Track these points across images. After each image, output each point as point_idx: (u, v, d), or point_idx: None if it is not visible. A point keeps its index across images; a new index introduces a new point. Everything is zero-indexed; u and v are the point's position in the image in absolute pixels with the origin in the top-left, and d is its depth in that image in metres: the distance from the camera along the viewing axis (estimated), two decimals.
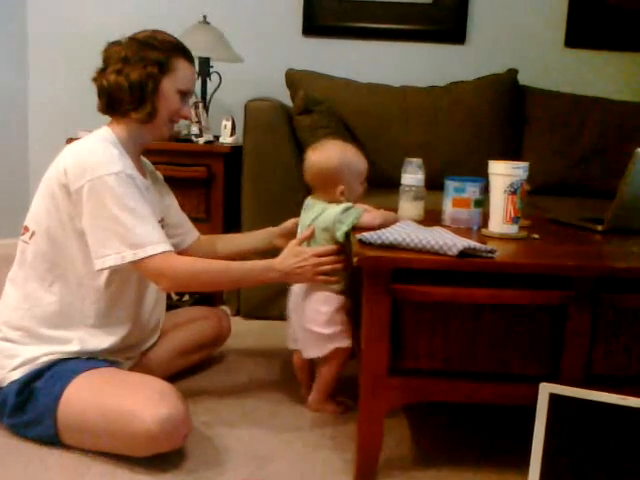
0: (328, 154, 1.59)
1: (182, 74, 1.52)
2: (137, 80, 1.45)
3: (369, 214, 1.50)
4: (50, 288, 1.45)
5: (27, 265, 1.46)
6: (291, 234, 1.65)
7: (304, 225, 1.60)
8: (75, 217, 1.40)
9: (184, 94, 1.54)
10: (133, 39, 1.49)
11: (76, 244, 1.43)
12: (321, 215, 1.55)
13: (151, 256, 1.38)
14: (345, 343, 1.55)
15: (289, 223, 1.76)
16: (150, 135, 1.55)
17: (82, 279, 1.45)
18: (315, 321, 1.55)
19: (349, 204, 1.53)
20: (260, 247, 1.81)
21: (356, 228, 1.46)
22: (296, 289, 1.62)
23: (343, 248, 1.52)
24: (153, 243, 1.39)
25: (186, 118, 1.61)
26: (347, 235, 1.49)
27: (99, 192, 1.36)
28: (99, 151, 1.41)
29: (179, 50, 1.52)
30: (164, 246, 1.41)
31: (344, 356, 1.58)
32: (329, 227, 1.52)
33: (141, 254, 1.38)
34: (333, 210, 1.52)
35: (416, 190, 1.61)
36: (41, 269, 1.45)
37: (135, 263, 1.39)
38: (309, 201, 1.63)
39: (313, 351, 1.58)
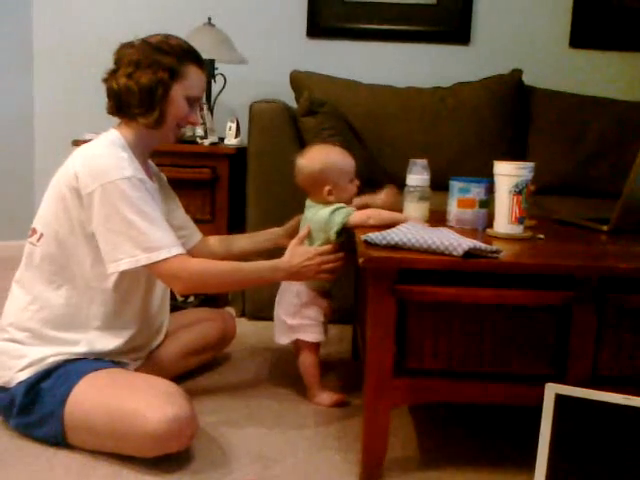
0: (311, 157, 1.65)
1: (192, 81, 1.51)
2: (147, 85, 1.45)
3: (361, 213, 1.54)
4: (58, 290, 1.46)
5: (34, 267, 1.47)
6: (296, 232, 1.67)
7: (303, 224, 1.66)
8: (85, 220, 1.41)
9: (193, 100, 1.54)
10: (145, 42, 1.48)
11: (85, 247, 1.43)
12: (315, 216, 1.60)
13: (165, 259, 1.39)
14: (308, 337, 1.64)
15: (293, 222, 1.78)
16: (157, 139, 1.55)
17: (90, 281, 1.45)
18: (286, 311, 1.66)
19: (339, 205, 1.58)
20: (265, 247, 1.82)
21: (355, 228, 1.49)
22: (283, 285, 1.68)
23: (340, 247, 1.57)
24: (166, 246, 1.40)
25: (194, 124, 1.61)
26: (341, 233, 1.55)
27: (111, 196, 1.37)
28: (110, 155, 1.42)
29: (191, 56, 1.52)
30: (177, 249, 1.42)
31: (311, 349, 1.66)
32: (322, 228, 1.58)
33: (155, 257, 1.38)
34: (323, 212, 1.58)
35: (421, 191, 1.61)
36: (49, 271, 1.45)
37: (149, 266, 1.40)
38: (308, 202, 1.68)
39: (280, 338, 1.69)
